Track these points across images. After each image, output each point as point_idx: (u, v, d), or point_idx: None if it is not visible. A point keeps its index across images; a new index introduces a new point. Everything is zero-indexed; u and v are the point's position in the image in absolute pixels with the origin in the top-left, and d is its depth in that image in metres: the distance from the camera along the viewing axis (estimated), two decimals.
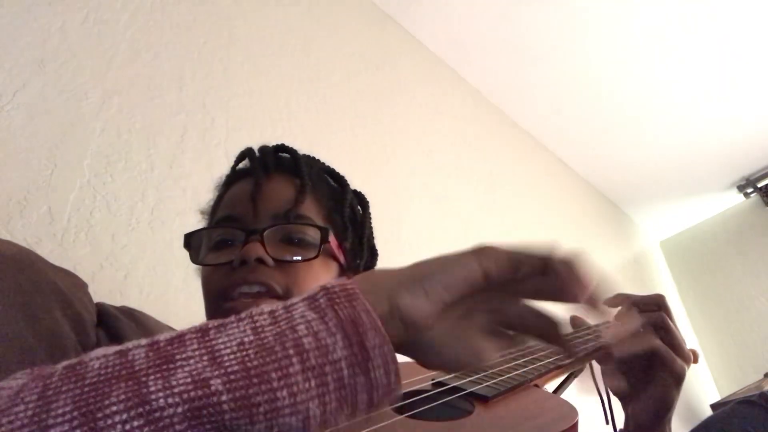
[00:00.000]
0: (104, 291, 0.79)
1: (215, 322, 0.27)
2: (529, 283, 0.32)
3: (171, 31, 1.11)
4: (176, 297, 0.87)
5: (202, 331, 0.26)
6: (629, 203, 3.42)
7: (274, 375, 0.24)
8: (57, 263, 0.60)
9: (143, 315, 0.68)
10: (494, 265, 0.31)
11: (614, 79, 2.42)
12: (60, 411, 0.21)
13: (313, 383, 0.25)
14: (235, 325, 0.27)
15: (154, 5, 1.10)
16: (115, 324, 0.61)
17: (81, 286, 0.61)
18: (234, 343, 0.25)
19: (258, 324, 0.27)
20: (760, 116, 2.81)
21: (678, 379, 0.56)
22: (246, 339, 0.25)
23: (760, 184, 3.42)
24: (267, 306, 0.28)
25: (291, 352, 0.25)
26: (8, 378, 0.24)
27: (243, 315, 0.27)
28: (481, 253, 0.31)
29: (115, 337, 0.58)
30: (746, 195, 3.50)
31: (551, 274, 0.31)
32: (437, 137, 1.87)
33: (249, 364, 0.24)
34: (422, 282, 0.29)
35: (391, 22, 1.95)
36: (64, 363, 0.25)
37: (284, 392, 0.24)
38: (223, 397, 0.23)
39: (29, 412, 0.21)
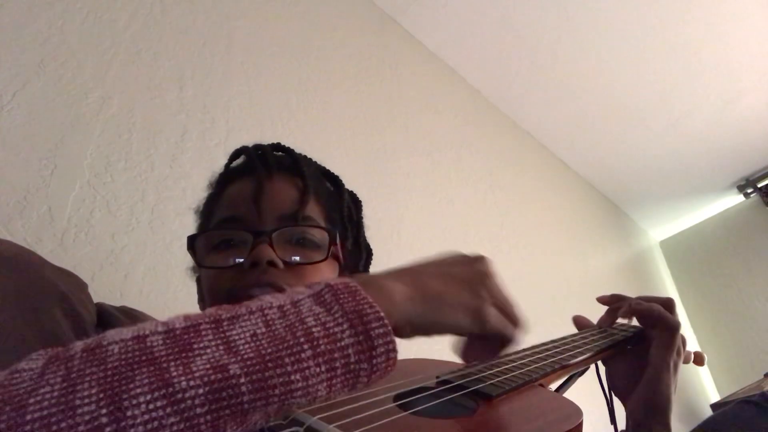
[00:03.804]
0: (104, 291, 0.78)
1: (226, 313, 0.28)
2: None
3: (171, 31, 1.11)
4: (176, 297, 0.87)
5: (215, 322, 0.27)
6: (629, 203, 3.42)
7: (287, 360, 0.26)
8: (57, 263, 0.59)
9: (143, 315, 0.68)
10: (480, 329, 0.37)
11: (614, 79, 2.42)
12: (86, 393, 0.22)
13: (323, 368, 0.27)
14: (246, 317, 0.28)
15: (154, 5, 1.10)
16: (115, 324, 0.60)
17: (81, 286, 0.61)
18: (248, 334, 0.27)
19: (269, 317, 0.28)
20: (760, 116, 2.81)
21: (670, 331, 0.59)
22: (258, 331, 0.27)
23: (760, 184, 3.42)
24: (275, 300, 0.30)
25: (302, 340, 0.27)
26: (26, 359, 0.24)
27: (253, 308, 0.29)
28: (483, 318, 0.37)
29: None
30: (746, 195, 3.50)
31: (491, 347, 0.41)
32: (437, 137, 1.87)
33: (263, 351, 0.26)
34: (428, 324, 0.34)
35: (391, 22, 1.95)
36: (81, 345, 0.25)
37: (297, 375, 0.26)
38: (242, 380, 0.24)
39: (55, 393, 0.22)
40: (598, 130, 2.72)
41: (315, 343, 0.27)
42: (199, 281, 0.60)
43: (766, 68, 2.50)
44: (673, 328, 0.59)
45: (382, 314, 0.29)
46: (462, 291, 0.37)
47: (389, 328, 0.29)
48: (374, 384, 0.30)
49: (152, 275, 0.86)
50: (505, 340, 0.39)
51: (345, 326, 0.28)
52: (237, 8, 1.30)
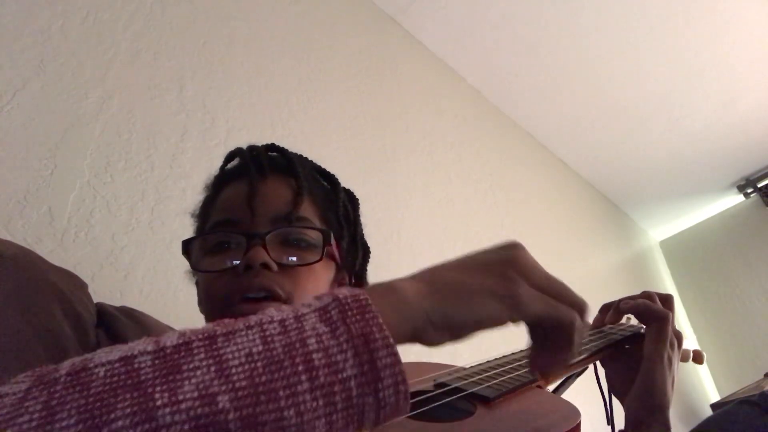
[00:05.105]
0: (104, 291, 0.79)
1: (223, 329, 0.27)
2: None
3: (171, 31, 1.11)
4: (176, 297, 0.87)
5: (209, 338, 0.26)
6: (629, 203, 3.42)
7: (281, 393, 0.24)
8: (57, 263, 0.59)
9: (143, 315, 0.68)
10: (521, 317, 0.31)
11: (614, 79, 2.42)
12: (64, 423, 0.21)
13: (320, 402, 0.24)
14: (243, 333, 0.26)
15: (154, 5, 1.10)
16: (115, 324, 0.60)
17: (81, 286, 0.61)
18: (243, 353, 0.25)
19: (267, 333, 0.26)
20: (760, 116, 2.81)
21: (659, 322, 0.59)
22: (255, 350, 0.25)
23: (760, 184, 3.42)
24: (277, 313, 0.28)
25: (300, 368, 0.25)
26: (9, 383, 0.23)
27: (252, 322, 0.27)
28: (517, 301, 0.31)
29: (115, 337, 0.58)
30: (746, 195, 3.50)
31: (555, 341, 0.33)
32: (437, 137, 1.87)
33: (257, 380, 0.24)
34: (451, 320, 0.30)
35: (392, 22, 1.95)
36: (67, 367, 0.24)
37: (291, 411, 0.24)
38: (230, 416, 0.23)
39: (34, 423, 0.21)
40: (598, 130, 2.72)
41: (314, 373, 0.25)
42: (198, 284, 0.60)
43: (766, 68, 2.49)
44: (661, 318, 0.59)
45: (391, 340, 0.26)
46: (486, 277, 0.31)
47: (398, 357, 0.26)
48: (390, 422, 0.27)
49: (152, 275, 0.86)
50: (563, 326, 0.33)
51: (349, 354, 0.25)
52: (237, 8, 1.30)
